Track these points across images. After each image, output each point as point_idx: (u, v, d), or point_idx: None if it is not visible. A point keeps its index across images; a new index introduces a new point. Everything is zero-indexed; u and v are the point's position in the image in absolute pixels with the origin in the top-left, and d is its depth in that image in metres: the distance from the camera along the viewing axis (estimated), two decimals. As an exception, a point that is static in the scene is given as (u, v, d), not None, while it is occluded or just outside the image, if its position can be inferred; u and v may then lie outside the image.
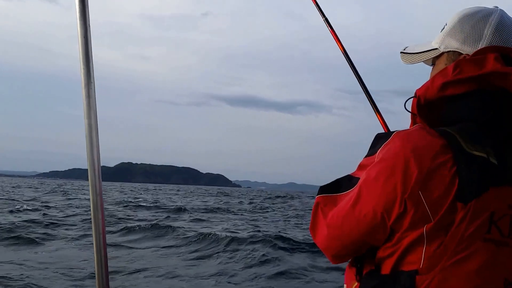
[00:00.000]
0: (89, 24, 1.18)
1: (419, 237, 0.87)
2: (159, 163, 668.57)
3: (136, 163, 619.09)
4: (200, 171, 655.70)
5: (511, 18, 1.00)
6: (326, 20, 1.83)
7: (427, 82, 0.98)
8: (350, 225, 0.96)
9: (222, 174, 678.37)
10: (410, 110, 1.02)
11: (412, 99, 1.01)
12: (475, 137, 0.88)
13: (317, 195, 1.08)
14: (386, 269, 0.93)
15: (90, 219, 1.24)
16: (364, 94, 1.65)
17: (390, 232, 0.92)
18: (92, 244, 1.25)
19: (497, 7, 1.02)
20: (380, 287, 0.92)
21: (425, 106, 0.98)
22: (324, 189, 1.07)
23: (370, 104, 1.62)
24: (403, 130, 0.95)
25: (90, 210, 1.25)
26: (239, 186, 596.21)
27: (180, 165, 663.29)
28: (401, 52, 1.15)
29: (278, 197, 56.00)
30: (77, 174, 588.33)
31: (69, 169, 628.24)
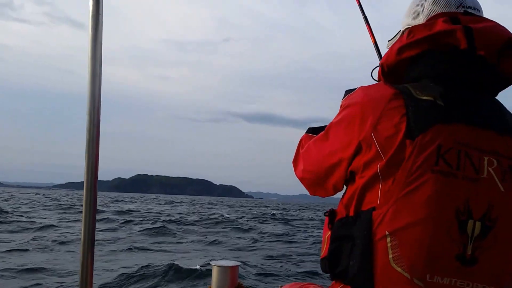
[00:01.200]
0: (101, 43, 1.24)
1: (374, 176, 0.95)
2: (174, 175, 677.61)
3: (152, 175, 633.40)
4: (214, 182, 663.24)
5: None
6: (365, 19, 1.95)
7: (387, 51, 1.12)
8: (317, 162, 1.12)
9: (235, 185, 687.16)
10: (376, 79, 1.18)
11: (377, 68, 1.16)
12: (426, 87, 0.99)
13: (305, 133, 1.28)
14: (351, 212, 1.01)
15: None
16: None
17: (351, 176, 1.03)
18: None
19: None
20: (345, 229, 1.00)
21: (388, 73, 1.12)
22: (311, 130, 1.27)
23: None
24: (365, 85, 1.07)
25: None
26: (251, 197, 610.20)
27: (194, 177, 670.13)
28: (388, 41, 1.29)
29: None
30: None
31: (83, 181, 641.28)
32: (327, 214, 1.09)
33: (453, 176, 0.91)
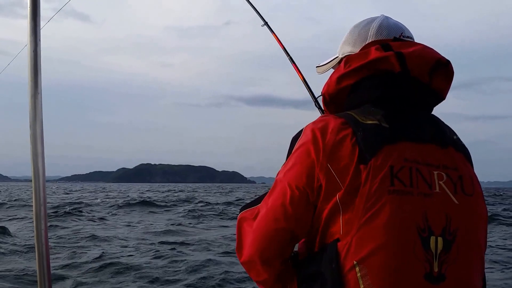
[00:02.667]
0: (39, 32, 1.22)
1: (334, 206, 0.96)
2: (177, 163, 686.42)
3: (155, 164, 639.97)
4: (216, 169, 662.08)
5: (392, 21, 1.21)
6: (267, 24, 2.21)
7: (327, 80, 1.17)
8: (277, 216, 1.04)
9: (238, 171, 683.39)
10: (321, 107, 1.26)
11: (319, 97, 1.21)
12: (368, 112, 1.05)
13: (239, 213, 1.17)
14: (315, 249, 1.01)
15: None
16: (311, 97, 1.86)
17: (314, 211, 1.01)
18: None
19: (382, 14, 1.24)
20: (311, 267, 1.01)
21: (330, 102, 1.17)
22: (246, 206, 1.18)
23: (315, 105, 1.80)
24: (309, 123, 1.10)
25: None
26: (253, 182, 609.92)
27: (197, 164, 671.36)
28: (316, 67, 1.36)
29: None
30: (98, 176, 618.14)
31: (90, 172, 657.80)
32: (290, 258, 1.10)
33: (409, 194, 0.95)
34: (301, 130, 1.11)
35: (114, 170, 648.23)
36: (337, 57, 1.28)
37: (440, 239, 0.94)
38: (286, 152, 1.15)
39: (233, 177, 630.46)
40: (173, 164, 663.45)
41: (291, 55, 2.21)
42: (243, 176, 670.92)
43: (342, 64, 1.14)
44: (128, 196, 34.93)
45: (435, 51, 1.14)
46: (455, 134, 1.12)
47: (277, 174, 1.11)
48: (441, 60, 1.12)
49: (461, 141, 1.12)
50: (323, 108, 1.23)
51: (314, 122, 1.09)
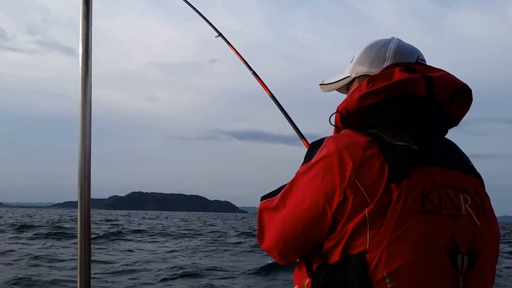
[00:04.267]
0: (90, 69, 1.33)
1: (362, 221, 0.97)
2: (169, 192, 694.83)
3: (147, 192, 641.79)
4: (208, 198, 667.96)
5: (408, 44, 1.24)
6: (254, 73, 2.26)
7: (346, 98, 1.17)
8: (295, 220, 1.07)
9: (230, 201, 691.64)
10: (334, 124, 1.22)
11: (335, 114, 1.20)
12: (394, 132, 1.05)
13: (260, 202, 1.20)
14: (335, 258, 1.01)
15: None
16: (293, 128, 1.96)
17: (334, 222, 1.02)
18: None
19: (394, 37, 1.25)
20: (333, 275, 1.00)
21: (347, 119, 1.16)
22: (265, 196, 1.21)
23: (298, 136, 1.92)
24: (333, 135, 1.11)
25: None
26: (245, 212, 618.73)
27: (188, 194, 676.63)
28: (320, 84, 1.38)
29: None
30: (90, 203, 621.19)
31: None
32: (302, 261, 1.11)
33: (438, 214, 0.98)
34: (322, 138, 1.11)
35: (106, 197, 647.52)
36: (349, 76, 1.28)
37: (465, 257, 0.99)
38: (278, 185, 1.19)
39: (225, 207, 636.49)
40: (164, 192, 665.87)
41: (250, 65, 2.27)
42: (235, 205, 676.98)
43: (364, 83, 1.14)
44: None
45: (458, 78, 1.16)
46: (470, 161, 1.16)
47: (298, 172, 1.11)
48: (465, 87, 1.15)
49: (475, 169, 1.16)
50: (334, 125, 1.23)
51: (338, 136, 1.08)
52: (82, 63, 1.36)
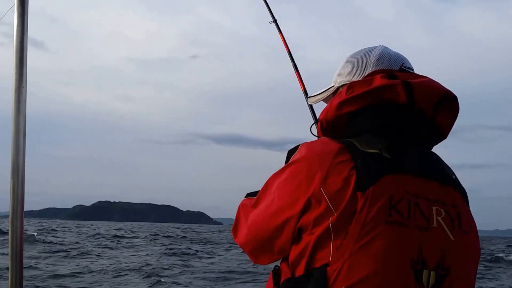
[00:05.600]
0: (26, 29, 1.27)
1: (325, 231, 0.95)
2: (138, 201, 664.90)
3: (115, 202, 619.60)
4: (180, 208, 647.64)
5: (393, 51, 1.22)
6: (295, 66, 2.23)
7: (326, 106, 1.15)
8: (262, 223, 1.09)
9: (203, 211, 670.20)
10: (315, 134, 1.24)
11: (316, 124, 1.25)
12: (369, 140, 1.04)
13: (244, 197, 1.25)
14: (300, 271, 1.00)
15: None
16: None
17: (299, 232, 1.02)
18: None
19: (381, 44, 1.25)
20: None
21: (328, 128, 1.16)
22: (250, 194, 1.24)
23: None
24: (308, 141, 1.11)
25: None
26: (220, 223, 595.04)
27: (159, 203, 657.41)
28: (308, 97, 1.43)
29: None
30: (52, 213, 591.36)
31: (43, 209, 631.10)
32: (271, 277, 1.11)
33: (405, 226, 0.95)
34: (298, 145, 1.12)
35: (70, 207, 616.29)
36: (333, 86, 1.27)
37: (433, 273, 0.95)
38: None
39: (199, 218, 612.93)
40: (133, 202, 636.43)
41: (295, 62, 2.19)
42: (208, 216, 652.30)
43: (343, 90, 1.13)
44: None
45: (442, 85, 1.13)
46: (454, 174, 1.13)
47: (270, 177, 1.13)
48: (448, 94, 1.11)
49: (459, 182, 1.12)
50: (316, 136, 1.22)
51: (311, 143, 1.09)
52: (16, 73, 1.28)
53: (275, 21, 2.41)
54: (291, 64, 2.22)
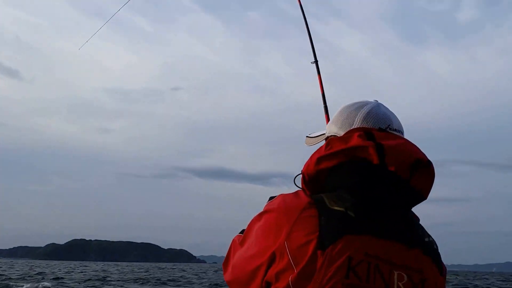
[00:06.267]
0: None
1: None
2: (116, 239, 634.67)
3: (90, 240, 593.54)
4: (162, 246, 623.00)
5: (383, 110, 1.28)
6: (326, 108, 2.34)
7: (308, 160, 1.21)
8: (241, 265, 1.16)
9: (186, 249, 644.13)
10: (299, 186, 1.26)
11: (300, 175, 1.25)
12: (340, 197, 1.09)
13: (238, 233, 1.32)
14: None
15: None
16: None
17: (267, 285, 1.07)
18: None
19: (376, 100, 1.32)
20: None
21: (309, 181, 1.20)
22: (243, 231, 1.26)
23: None
24: (285, 193, 1.17)
25: None
26: (203, 261, 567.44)
27: (139, 241, 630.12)
28: (306, 136, 1.47)
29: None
30: (23, 252, 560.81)
31: (14, 247, 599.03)
32: None
33: None
34: (278, 195, 1.17)
35: (43, 245, 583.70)
36: (324, 134, 1.36)
37: None
38: (240, 229, 1.28)
39: (181, 256, 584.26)
40: (111, 240, 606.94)
41: (327, 103, 2.27)
42: (191, 254, 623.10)
43: (323, 145, 1.19)
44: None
45: (418, 149, 1.17)
46: (429, 237, 1.14)
47: (253, 218, 1.18)
48: (421, 160, 1.14)
49: (433, 245, 1.13)
50: (300, 187, 1.24)
51: (287, 194, 1.15)
52: None
53: (316, 62, 2.54)
54: (322, 106, 2.30)
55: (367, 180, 1.10)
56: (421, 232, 1.13)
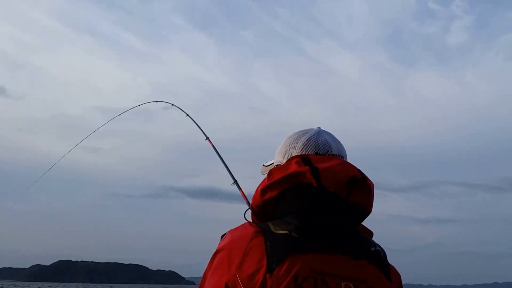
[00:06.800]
0: None
1: None
2: (103, 261, 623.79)
3: (77, 261, 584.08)
4: (150, 268, 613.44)
5: (323, 138, 1.37)
6: (236, 183, 2.72)
7: (254, 193, 1.29)
8: None
9: (175, 270, 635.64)
10: (248, 220, 1.33)
11: (249, 210, 1.33)
12: (284, 222, 1.17)
13: None
14: None
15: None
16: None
17: None
18: None
19: (319, 127, 1.41)
20: None
21: (258, 213, 1.28)
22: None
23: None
24: (234, 228, 1.24)
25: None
26: (193, 283, 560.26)
27: (127, 262, 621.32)
28: (263, 165, 1.54)
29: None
30: (7, 274, 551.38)
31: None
32: None
33: None
34: (226, 232, 1.24)
35: (27, 266, 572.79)
36: (273, 164, 1.44)
37: None
38: None
39: (169, 277, 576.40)
40: (98, 261, 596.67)
41: (233, 175, 2.74)
42: (180, 276, 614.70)
43: (266, 176, 1.27)
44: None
45: (353, 166, 1.25)
46: (376, 246, 1.22)
47: (206, 267, 1.23)
48: (356, 176, 1.23)
49: (380, 254, 1.20)
50: (251, 221, 1.30)
51: (234, 229, 1.22)
52: None
53: (235, 182, 2.77)
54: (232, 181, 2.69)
55: (310, 202, 1.18)
56: (366, 243, 1.20)
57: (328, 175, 1.19)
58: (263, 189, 1.23)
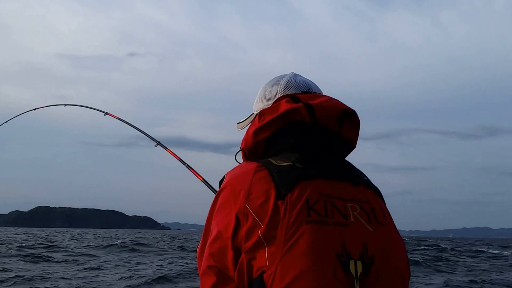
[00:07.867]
0: None
1: (258, 242, 1.08)
2: (80, 207, 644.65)
3: (55, 207, 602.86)
4: (126, 213, 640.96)
5: (301, 78, 1.42)
6: (205, 182, 2.72)
7: (244, 135, 1.33)
8: (210, 255, 1.18)
9: (150, 216, 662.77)
10: (239, 161, 1.37)
11: (240, 152, 1.35)
12: (284, 156, 1.22)
13: None
14: (245, 285, 1.10)
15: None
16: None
17: (236, 252, 1.13)
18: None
19: (292, 72, 1.45)
20: None
21: (249, 155, 1.32)
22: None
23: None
24: (231, 169, 1.26)
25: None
26: (168, 228, 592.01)
27: (104, 208, 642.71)
28: (237, 123, 1.53)
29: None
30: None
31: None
32: None
33: (325, 223, 1.08)
34: (224, 175, 1.26)
35: (6, 212, 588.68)
36: (253, 113, 1.45)
37: (359, 262, 1.06)
38: (204, 198, 1.42)
39: (145, 223, 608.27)
40: (76, 207, 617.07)
41: (188, 164, 2.82)
42: (155, 221, 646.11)
43: (256, 118, 1.30)
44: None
45: (341, 102, 1.30)
46: (366, 176, 1.29)
47: (208, 211, 1.24)
48: (346, 110, 1.28)
49: (371, 182, 1.27)
50: (238, 161, 1.39)
51: (233, 169, 1.26)
52: None
53: (159, 143, 3.03)
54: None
55: (304, 138, 1.23)
56: (360, 173, 1.27)
57: (321, 109, 1.24)
58: (256, 131, 1.27)
